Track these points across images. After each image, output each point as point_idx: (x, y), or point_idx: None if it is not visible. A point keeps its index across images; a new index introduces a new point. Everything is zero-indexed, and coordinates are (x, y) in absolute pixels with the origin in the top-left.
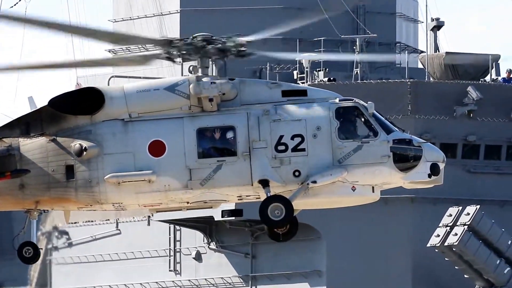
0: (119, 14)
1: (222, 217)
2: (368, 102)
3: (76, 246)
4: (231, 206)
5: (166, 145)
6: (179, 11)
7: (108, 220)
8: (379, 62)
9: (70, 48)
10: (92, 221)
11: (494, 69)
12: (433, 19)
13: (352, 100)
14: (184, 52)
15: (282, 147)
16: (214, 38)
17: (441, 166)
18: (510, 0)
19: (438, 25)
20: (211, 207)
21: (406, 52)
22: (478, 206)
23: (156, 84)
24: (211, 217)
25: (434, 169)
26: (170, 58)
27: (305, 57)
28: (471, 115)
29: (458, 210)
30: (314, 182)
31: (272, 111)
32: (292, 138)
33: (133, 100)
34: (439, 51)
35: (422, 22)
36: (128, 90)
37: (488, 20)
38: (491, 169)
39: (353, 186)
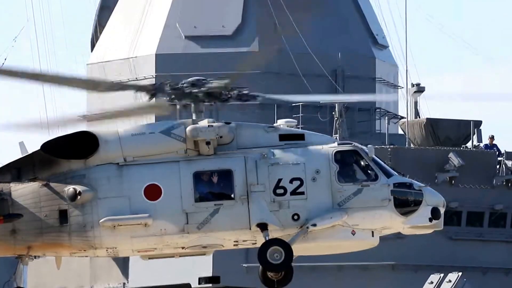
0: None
1: (199, 284)
2: (368, 145)
3: None
4: (208, 272)
5: (162, 189)
6: (154, 76)
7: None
8: (359, 127)
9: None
10: None
11: (476, 135)
12: (413, 85)
13: (351, 144)
14: (174, 97)
15: (280, 191)
16: (202, 81)
17: (442, 210)
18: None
19: (418, 91)
20: (205, 254)
21: (386, 117)
22: (460, 273)
23: (152, 128)
24: (188, 284)
25: (435, 214)
26: (173, 105)
27: (283, 123)
28: (453, 181)
29: (440, 277)
30: (314, 225)
31: (270, 154)
32: (291, 181)
33: (128, 144)
34: (419, 117)
35: (402, 88)
36: (123, 133)
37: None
38: (474, 235)
39: (353, 230)
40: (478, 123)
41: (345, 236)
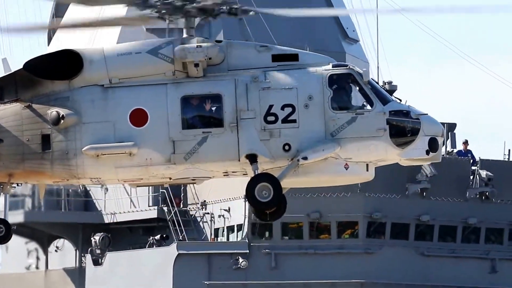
0: None
1: None
2: (364, 69)
3: None
4: None
5: (148, 114)
6: None
7: None
8: None
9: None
10: None
11: (450, 139)
12: (385, 83)
13: (347, 66)
14: (164, 12)
15: (271, 118)
16: None
17: (440, 141)
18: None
19: (390, 90)
20: (195, 183)
21: None
22: None
23: (138, 47)
24: None
25: (432, 145)
26: (161, 18)
27: None
28: (424, 193)
29: None
30: (305, 158)
31: (261, 77)
32: (283, 108)
33: (113, 64)
34: None
35: None
36: (109, 53)
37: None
38: (446, 252)
39: (346, 164)
40: (452, 126)
41: (337, 170)
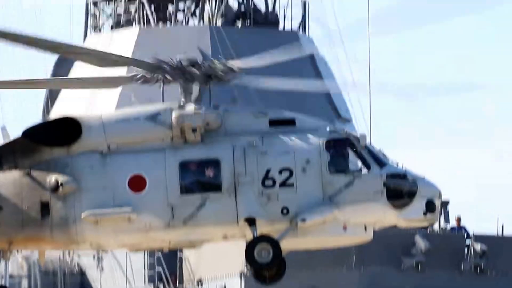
0: None
1: None
2: (361, 133)
3: None
4: None
5: (147, 179)
6: None
7: None
8: None
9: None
10: None
11: (443, 215)
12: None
13: (344, 131)
14: (168, 76)
15: (269, 182)
16: (202, 62)
17: (437, 203)
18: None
19: (444, 201)
20: (194, 247)
21: None
22: None
23: (137, 114)
24: None
25: (429, 206)
26: (146, 81)
27: None
28: (419, 267)
29: None
30: (303, 220)
31: (259, 143)
32: (280, 172)
33: (112, 131)
34: None
35: None
36: (107, 119)
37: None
38: None
39: (345, 225)
40: (445, 203)
41: (336, 231)
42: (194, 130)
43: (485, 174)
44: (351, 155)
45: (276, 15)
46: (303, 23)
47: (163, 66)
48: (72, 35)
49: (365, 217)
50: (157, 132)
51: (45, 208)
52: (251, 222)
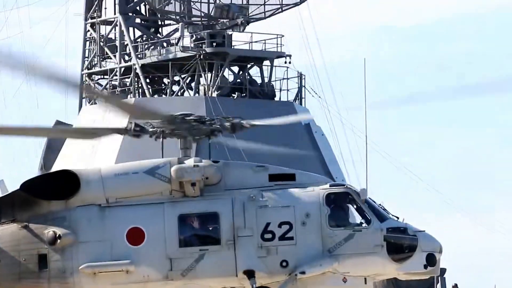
0: None
1: None
2: (361, 188)
3: None
4: None
5: (145, 232)
6: None
7: None
8: None
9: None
10: None
11: (440, 283)
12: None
13: (344, 185)
14: (170, 131)
15: (268, 235)
16: (206, 119)
17: (438, 256)
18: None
19: (442, 269)
20: None
21: None
22: None
23: (136, 167)
24: None
25: (430, 260)
26: (136, 135)
27: None
28: None
29: None
30: (303, 273)
31: (258, 196)
32: (280, 225)
33: (110, 185)
34: None
35: None
36: (106, 173)
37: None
38: None
39: (344, 278)
40: (442, 271)
41: (336, 283)
42: (193, 184)
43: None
44: (351, 208)
45: (272, 86)
46: (299, 94)
47: (176, 120)
48: (66, 107)
49: (365, 270)
50: (156, 186)
51: (42, 260)
52: (250, 274)
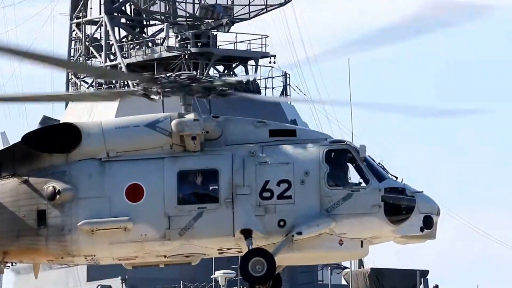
0: None
1: None
2: (361, 144)
3: None
4: None
5: (144, 189)
6: None
7: None
8: (301, 278)
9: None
10: None
11: (422, 285)
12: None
13: (344, 142)
14: (167, 89)
15: (267, 194)
16: (200, 77)
17: (435, 219)
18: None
19: (423, 271)
20: (190, 262)
21: (329, 268)
22: None
23: (136, 121)
24: None
25: (427, 222)
26: (147, 95)
27: None
28: None
29: None
30: (300, 233)
31: (258, 152)
32: (278, 184)
33: (111, 138)
34: (363, 267)
35: None
36: (106, 126)
37: None
38: None
39: (341, 240)
40: (424, 273)
41: (332, 246)
42: (193, 138)
43: (463, 243)
44: (350, 167)
45: (258, 84)
46: (284, 92)
47: (161, 81)
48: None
49: (362, 232)
50: (156, 140)
51: (41, 216)
52: (247, 234)
